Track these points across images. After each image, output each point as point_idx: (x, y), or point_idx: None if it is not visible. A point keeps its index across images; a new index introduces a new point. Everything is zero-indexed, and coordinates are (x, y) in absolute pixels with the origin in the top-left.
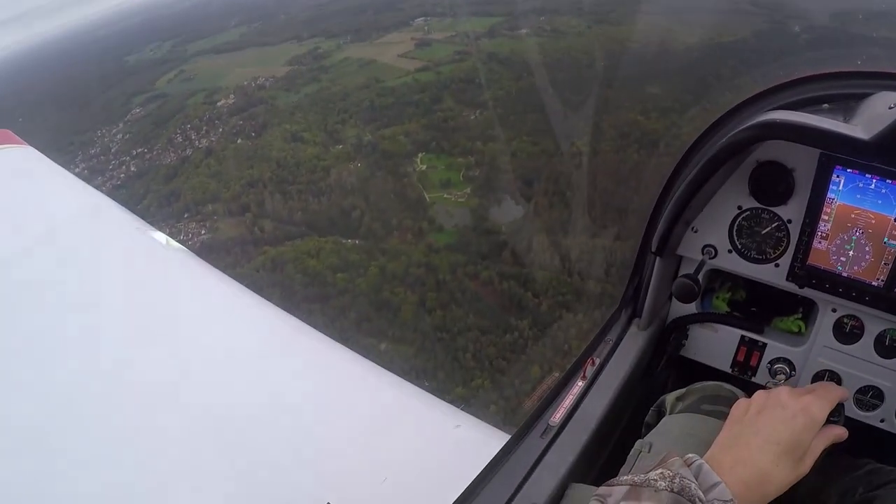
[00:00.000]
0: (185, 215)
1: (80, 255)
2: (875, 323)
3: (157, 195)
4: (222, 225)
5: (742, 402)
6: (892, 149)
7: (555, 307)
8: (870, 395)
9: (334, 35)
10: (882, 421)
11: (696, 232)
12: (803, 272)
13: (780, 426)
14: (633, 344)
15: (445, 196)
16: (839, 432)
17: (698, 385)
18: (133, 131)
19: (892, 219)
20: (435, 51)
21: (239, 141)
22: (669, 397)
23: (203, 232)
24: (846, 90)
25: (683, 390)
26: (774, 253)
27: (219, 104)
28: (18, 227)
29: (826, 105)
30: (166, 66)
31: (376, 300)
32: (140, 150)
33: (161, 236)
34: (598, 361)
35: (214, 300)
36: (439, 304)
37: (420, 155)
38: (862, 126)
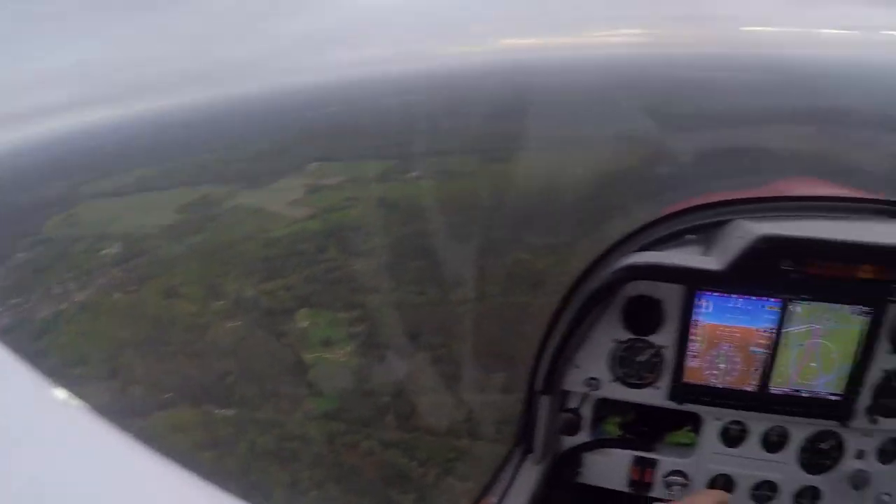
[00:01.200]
0: (51, 379)
1: None
2: (757, 424)
3: (24, 355)
4: (88, 391)
5: None
6: (742, 276)
7: (442, 475)
8: (765, 489)
9: (229, 180)
10: None
11: (578, 367)
12: (681, 390)
13: None
14: (528, 479)
15: (326, 356)
16: None
17: None
18: (12, 278)
19: (756, 330)
20: (325, 197)
21: (116, 295)
22: None
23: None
24: (707, 220)
25: None
26: (652, 377)
27: (102, 253)
28: None
29: (691, 236)
30: (57, 208)
31: (245, 483)
32: (16, 300)
33: (60, 392)
34: (494, 501)
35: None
36: (314, 483)
37: (301, 311)
38: (716, 256)
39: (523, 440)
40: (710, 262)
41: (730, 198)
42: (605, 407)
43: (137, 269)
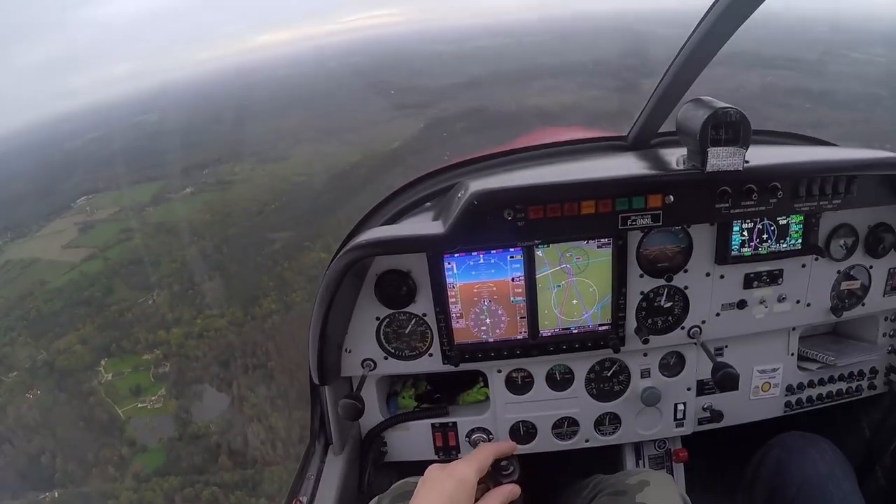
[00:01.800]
0: None
1: None
2: (539, 367)
3: None
4: None
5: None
6: (467, 234)
7: None
8: (566, 426)
9: None
10: (587, 441)
11: (349, 352)
12: (454, 352)
13: (432, 495)
14: (334, 470)
15: (140, 405)
16: (509, 489)
17: (388, 490)
18: None
19: (508, 281)
20: (100, 233)
21: None
22: None
23: None
24: (441, 185)
25: (377, 498)
26: (424, 346)
27: None
28: None
29: (428, 203)
30: None
31: None
32: None
33: None
34: (305, 499)
35: None
36: None
37: (103, 362)
38: (443, 219)
39: (320, 433)
40: (437, 225)
41: (457, 161)
42: (398, 382)
43: None
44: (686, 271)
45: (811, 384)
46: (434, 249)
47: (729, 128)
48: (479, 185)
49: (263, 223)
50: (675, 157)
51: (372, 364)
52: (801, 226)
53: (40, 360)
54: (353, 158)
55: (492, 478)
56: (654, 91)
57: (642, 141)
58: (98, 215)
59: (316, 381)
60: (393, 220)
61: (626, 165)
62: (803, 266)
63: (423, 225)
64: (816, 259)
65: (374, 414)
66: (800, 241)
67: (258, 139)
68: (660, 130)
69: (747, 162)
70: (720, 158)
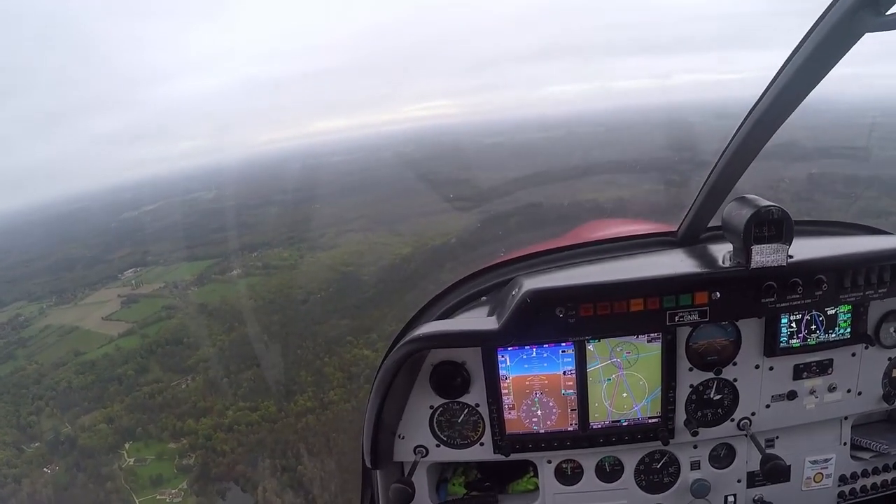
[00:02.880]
0: None
1: None
2: (589, 459)
3: None
4: None
5: None
6: (520, 330)
7: None
8: None
9: (37, 297)
10: None
11: (403, 438)
12: (505, 442)
13: None
14: None
15: (159, 497)
16: None
17: None
18: None
19: (559, 374)
20: (142, 308)
21: None
22: None
23: None
24: (495, 280)
25: None
26: (475, 435)
27: None
28: None
29: (483, 298)
30: None
31: None
32: None
33: None
34: None
35: None
36: None
37: (127, 445)
38: (499, 315)
39: None
40: (492, 321)
41: (511, 256)
42: (448, 469)
43: None
44: (735, 364)
45: (865, 473)
46: (488, 344)
47: (772, 225)
48: (532, 283)
49: (307, 313)
50: (722, 253)
51: (424, 451)
52: (850, 315)
53: (64, 433)
54: (403, 251)
55: None
56: (702, 186)
57: (691, 236)
58: (142, 289)
59: (368, 464)
60: (448, 314)
61: (674, 264)
62: (853, 355)
63: (478, 320)
64: (866, 347)
65: (423, 500)
66: (849, 330)
67: (309, 225)
68: (709, 225)
69: (791, 257)
70: (764, 255)
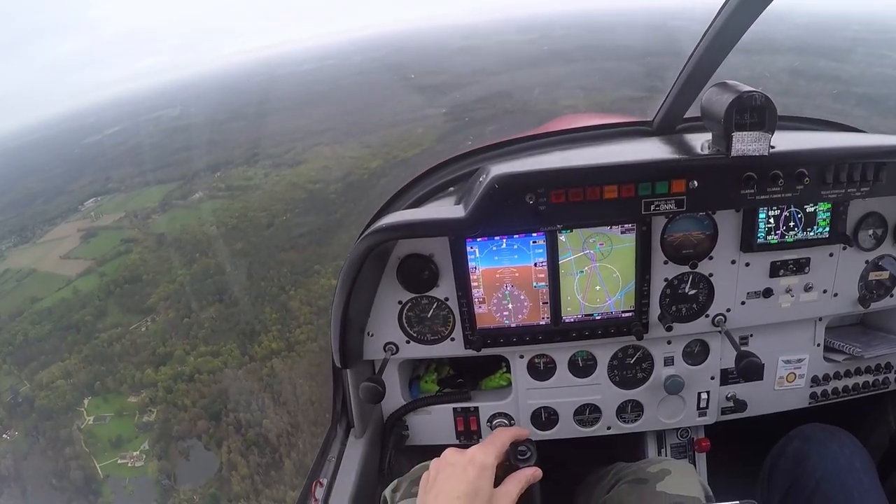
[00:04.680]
0: None
1: None
2: (562, 353)
3: None
4: None
5: (426, 473)
6: (489, 218)
7: None
8: (588, 413)
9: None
10: (609, 428)
11: (372, 336)
12: (476, 337)
13: (454, 482)
14: (355, 453)
15: (120, 461)
16: (530, 472)
17: (408, 473)
18: None
19: (531, 266)
20: (100, 243)
21: None
22: (387, 491)
23: None
24: (464, 170)
25: (396, 481)
26: (447, 330)
27: None
28: None
29: (451, 188)
30: None
31: None
32: None
33: None
34: (325, 481)
35: None
36: None
37: (85, 402)
38: (465, 203)
39: (342, 416)
40: (459, 210)
41: (481, 146)
42: (421, 366)
43: None
44: (711, 258)
45: (837, 376)
46: (456, 233)
47: (754, 112)
48: (500, 169)
49: (272, 238)
50: (700, 142)
51: (394, 348)
52: (829, 214)
53: (22, 393)
54: (372, 164)
55: (509, 462)
56: (678, 75)
57: (667, 126)
58: (102, 221)
59: (338, 363)
60: (416, 205)
61: (650, 150)
62: (831, 255)
63: (446, 209)
64: (844, 248)
65: (395, 398)
66: (827, 229)
67: (276, 139)
68: (685, 116)
69: (773, 147)
70: (745, 143)
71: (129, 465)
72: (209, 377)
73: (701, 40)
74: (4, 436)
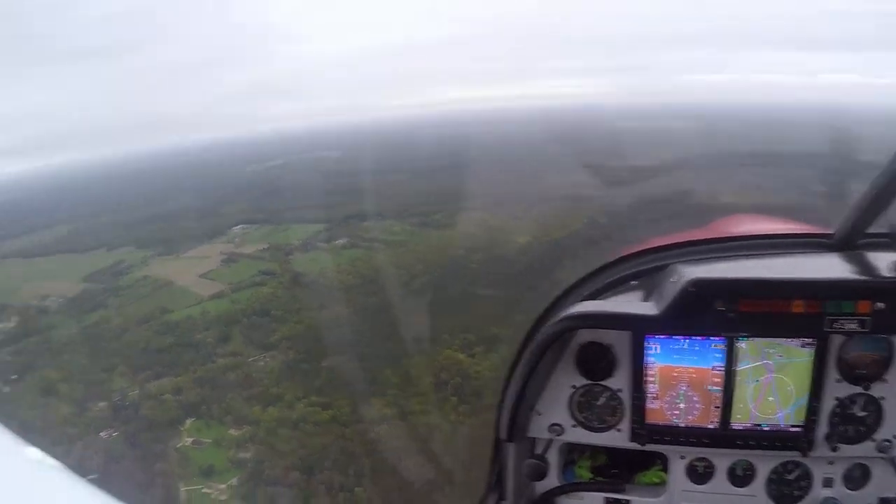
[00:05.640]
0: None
1: None
2: (723, 459)
3: None
4: None
5: None
6: (678, 319)
7: None
8: None
9: (145, 245)
10: None
11: (540, 414)
12: (643, 431)
13: None
14: None
15: (205, 490)
16: None
17: None
18: None
19: (708, 369)
20: (239, 269)
21: None
22: None
23: None
24: (648, 265)
25: None
26: (613, 420)
27: None
28: None
29: (634, 283)
30: None
31: None
32: None
33: (35, 452)
34: None
35: None
36: None
37: (188, 422)
38: (655, 301)
39: (495, 488)
40: (650, 307)
41: (667, 243)
42: (576, 451)
43: (24, 354)
44: (885, 381)
45: None
46: (643, 329)
47: None
48: (693, 272)
49: (405, 299)
50: (886, 262)
51: (559, 429)
52: None
53: (130, 398)
54: (519, 239)
55: None
56: (868, 190)
57: (850, 241)
58: (245, 248)
59: (503, 436)
60: (596, 295)
61: (836, 267)
62: None
63: (635, 304)
64: None
65: (550, 478)
66: None
67: (428, 198)
68: (869, 231)
69: None
70: None
71: (213, 496)
72: (314, 428)
73: None
74: (102, 433)
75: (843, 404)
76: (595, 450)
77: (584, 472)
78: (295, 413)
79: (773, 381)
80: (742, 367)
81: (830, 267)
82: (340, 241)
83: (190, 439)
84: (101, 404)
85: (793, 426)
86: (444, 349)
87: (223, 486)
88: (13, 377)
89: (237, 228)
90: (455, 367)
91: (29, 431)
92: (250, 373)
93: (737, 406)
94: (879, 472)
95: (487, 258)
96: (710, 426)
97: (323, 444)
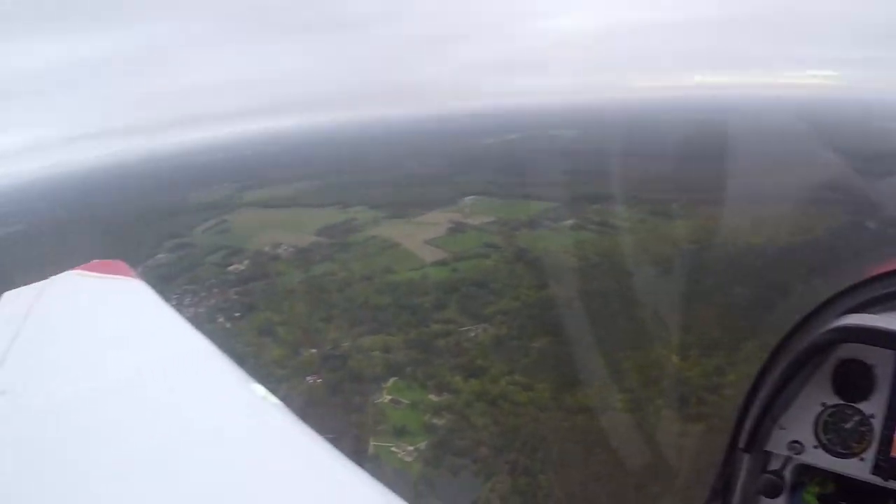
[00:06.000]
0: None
1: (172, 396)
2: None
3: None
4: None
5: None
6: None
7: None
8: None
9: (378, 205)
10: None
11: (783, 429)
12: (888, 465)
13: None
14: None
15: (393, 449)
16: None
17: None
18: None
19: None
20: (464, 239)
21: (219, 320)
22: None
23: None
24: None
25: None
26: (859, 447)
27: (230, 268)
28: (116, 359)
29: None
30: (212, 212)
31: None
32: None
33: (259, 389)
34: None
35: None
36: None
37: (391, 381)
38: None
39: (720, 496)
40: None
41: None
42: (805, 473)
43: (250, 295)
44: None
45: None
46: None
47: None
48: None
49: (624, 291)
50: None
51: (799, 448)
52: None
53: (342, 349)
54: (752, 239)
55: None
56: None
57: None
58: (472, 219)
59: (741, 446)
60: (862, 308)
61: None
62: None
63: None
64: None
65: (779, 497)
66: None
67: (660, 186)
68: None
69: None
70: None
71: (399, 456)
72: (511, 407)
73: None
74: (308, 378)
75: None
76: (825, 476)
77: (811, 499)
78: (496, 389)
79: None
80: None
81: None
82: (568, 222)
83: (389, 397)
84: (312, 351)
85: None
86: (657, 347)
87: (411, 447)
88: (237, 315)
89: (468, 199)
90: (666, 367)
91: (240, 367)
92: (460, 342)
93: None
94: None
95: (716, 257)
96: None
97: (516, 425)
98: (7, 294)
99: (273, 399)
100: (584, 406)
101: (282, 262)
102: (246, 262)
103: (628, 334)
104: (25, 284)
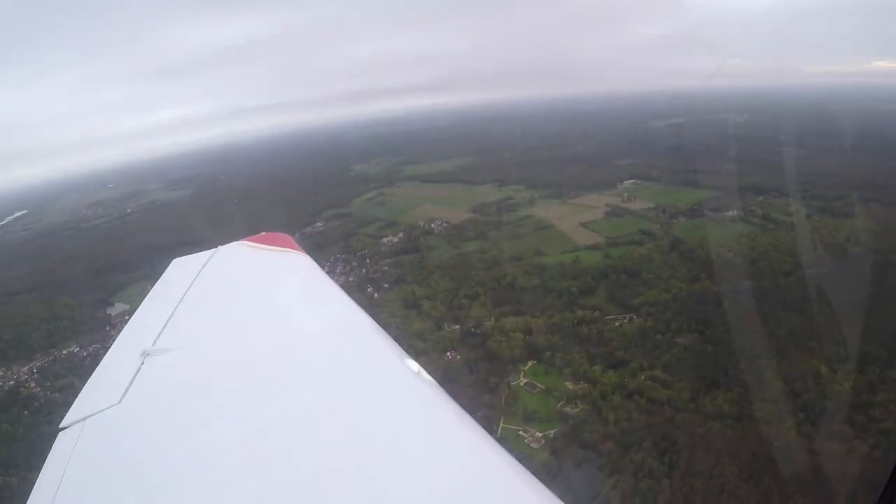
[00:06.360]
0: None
1: (332, 367)
2: None
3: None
4: None
5: None
6: None
7: None
8: None
9: (535, 185)
10: None
11: None
12: None
13: None
14: None
15: (520, 433)
16: None
17: None
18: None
19: None
20: (620, 225)
21: (367, 290)
22: None
23: None
24: None
25: None
26: None
27: (383, 240)
28: (279, 326)
29: None
30: (372, 185)
31: None
32: None
33: (413, 365)
34: None
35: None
36: None
37: (529, 364)
38: None
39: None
40: None
41: None
42: None
43: (401, 268)
44: None
45: None
46: None
47: None
48: None
49: (780, 293)
50: None
51: None
52: None
53: (484, 327)
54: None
55: None
56: None
57: None
58: (631, 204)
59: None
60: None
61: None
62: None
63: None
64: None
65: None
66: None
67: (835, 180)
68: None
69: None
70: None
71: (526, 441)
72: (646, 404)
73: None
74: (448, 353)
75: None
76: None
77: None
78: (634, 383)
79: None
80: None
81: None
82: (730, 213)
83: (525, 381)
84: (455, 327)
85: None
86: (807, 358)
87: (539, 434)
88: (385, 286)
89: (628, 183)
90: (813, 379)
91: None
92: (603, 331)
93: None
94: None
95: (887, 264)
96: None
97: (649, 423)
98: (177, 260)
99: (426, 376)
100: (721, 412)
101: (434, 236)
102: (399, 234)
103: (780, 340)
104: (194, 250)
